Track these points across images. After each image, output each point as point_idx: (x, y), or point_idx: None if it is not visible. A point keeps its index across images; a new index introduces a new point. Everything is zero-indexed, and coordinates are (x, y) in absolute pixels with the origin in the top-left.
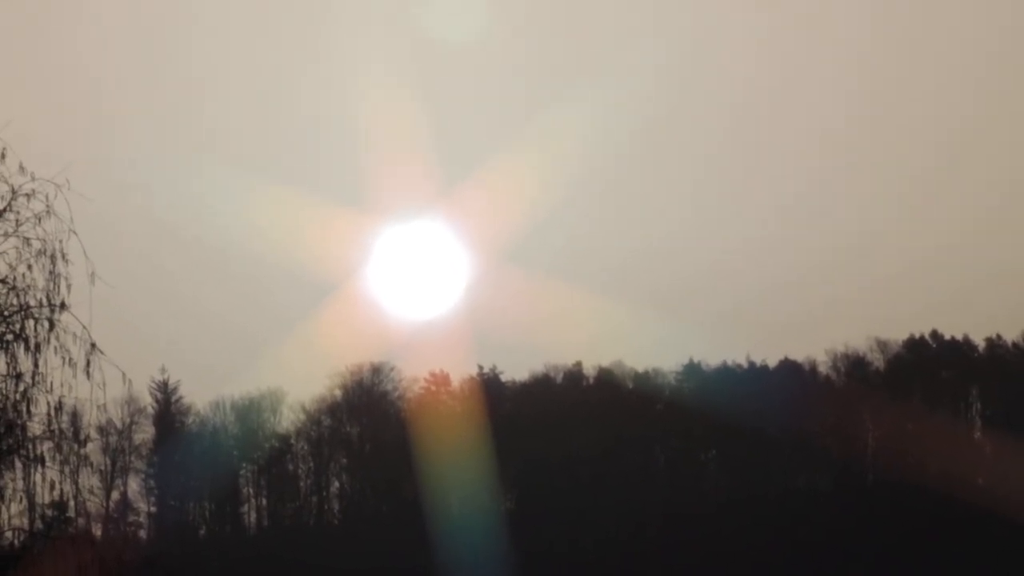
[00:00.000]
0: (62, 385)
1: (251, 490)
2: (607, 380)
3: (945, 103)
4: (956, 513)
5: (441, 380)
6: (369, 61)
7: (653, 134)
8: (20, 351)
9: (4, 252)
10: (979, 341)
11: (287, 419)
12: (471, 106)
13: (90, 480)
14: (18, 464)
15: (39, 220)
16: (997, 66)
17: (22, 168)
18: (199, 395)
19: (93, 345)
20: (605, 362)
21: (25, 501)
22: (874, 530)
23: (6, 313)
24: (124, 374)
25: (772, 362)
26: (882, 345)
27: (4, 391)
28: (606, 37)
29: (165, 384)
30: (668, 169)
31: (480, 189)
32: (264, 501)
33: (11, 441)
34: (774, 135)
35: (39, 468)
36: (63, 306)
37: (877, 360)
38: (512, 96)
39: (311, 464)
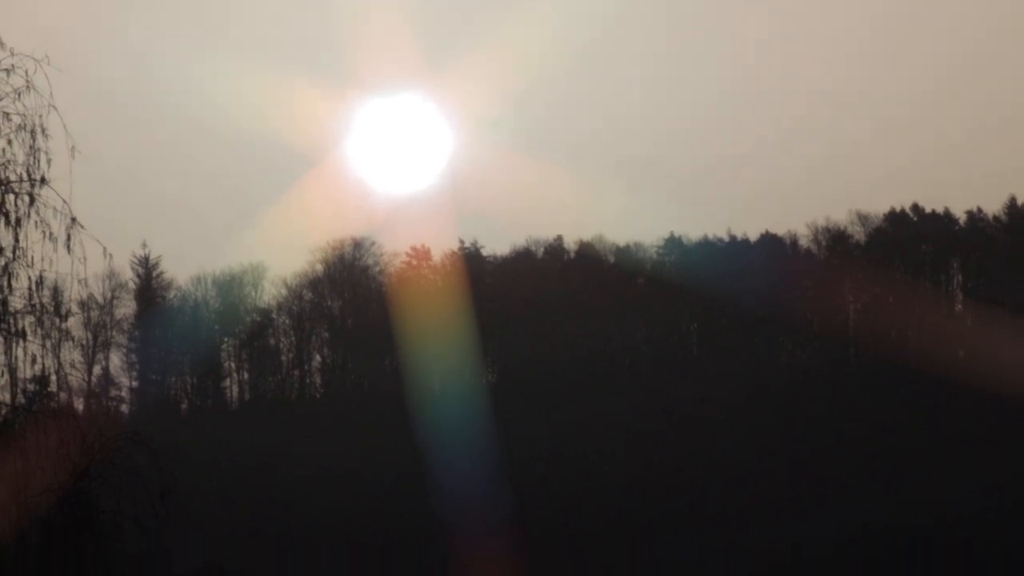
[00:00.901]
0: (43, 259)
1: (233, 364)
2: (588, 254)
3: None
4: (937, 385)
5: (422, 254)
6: None
7: (635, 8)
8: (1, 226)
9: None
10: (960, 214)
11: (268, 294)
12: None
13: (72, 355)
14: None
15: (19, 95)
16: None
17: (1, 43)
18: (180, 270)
19: (73, 220)
20: (586, 236)
21: (7, 376)
22: (855, 403)
23: None
24: (105, 249)
25: (753, 235)
26: (863, 218)
27: None
28: None
29: (146, 259)
30: (650, 42)
31: (462, 62)
32: (246, 375)
33: None
34: (749, 2)
35: (21, 342)
36: (43, 181)
37: (858, 233)
38: None
39: (293, 338)
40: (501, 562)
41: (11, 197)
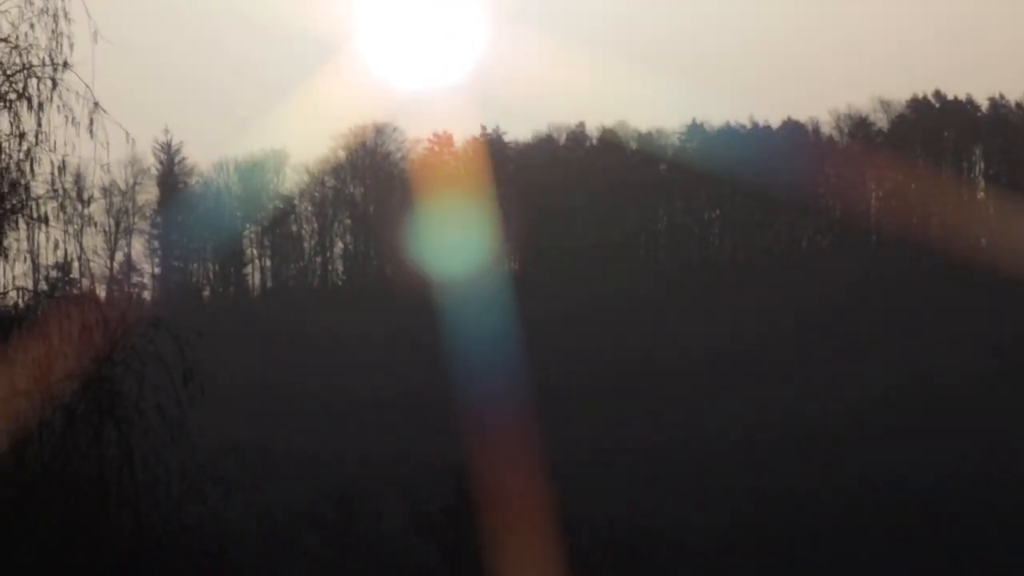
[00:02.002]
0: (65, 144)
1: (255, 251)
2: (610, 140)
3: None
4: (959, 272)
5: (444, 141)
6: None
7: None
8: (23, 110)
9: (6, 11)
10: (982, 101)
11: (290, 180)
12: None
13: (94, 241)
14: (22, 224)
15: None
16: None
17: None
18: (202, 156)
19: (96, 104)
20: (608, 122)
21: (29, 261)
22: (877, 290)
23: (9, 72)
24: (127, 133)
25: (775, 122)
26: (885, 105)
27: (8, 150)
28: None
29: (168, 145)
30: None
31: None
32: (268, 262)
33: (15, 200)
34: None
35: (43, 228)
36: (66, 65)
37: (880, 120)
38: None
39: (315, 225)
40: (516, 428)
41: (34, 81)
